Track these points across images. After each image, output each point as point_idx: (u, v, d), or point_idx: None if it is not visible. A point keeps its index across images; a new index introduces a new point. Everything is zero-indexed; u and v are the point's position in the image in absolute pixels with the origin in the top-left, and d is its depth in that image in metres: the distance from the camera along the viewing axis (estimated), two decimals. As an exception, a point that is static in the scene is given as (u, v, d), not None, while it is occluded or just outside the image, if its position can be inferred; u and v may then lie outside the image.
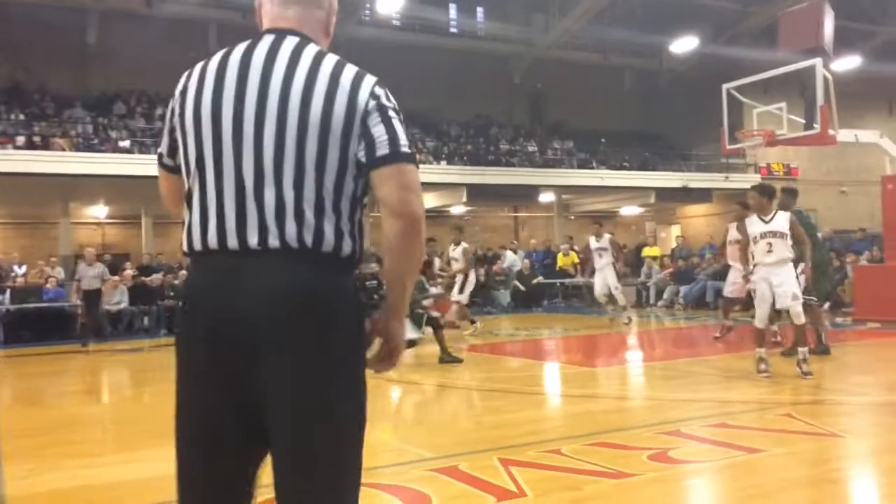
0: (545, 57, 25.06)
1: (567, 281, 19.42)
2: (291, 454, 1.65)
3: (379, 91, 1.74)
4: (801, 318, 6.98)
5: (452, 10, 25.29)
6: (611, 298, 13.02)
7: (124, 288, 14.73)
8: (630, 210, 26.34)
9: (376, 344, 1.82)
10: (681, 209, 26.49)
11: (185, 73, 1.82)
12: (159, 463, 4.79)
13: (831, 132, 12.03)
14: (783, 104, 13.19)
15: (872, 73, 22.64)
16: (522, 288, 18.27)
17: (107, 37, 20.12)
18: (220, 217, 1.68)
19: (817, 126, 11.96)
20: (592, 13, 23.31)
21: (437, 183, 20.07)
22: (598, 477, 4.08)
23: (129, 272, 15.34)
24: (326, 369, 1.64)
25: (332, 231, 1.68)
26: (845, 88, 13.78)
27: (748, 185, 24.41)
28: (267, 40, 1.77)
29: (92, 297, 12.70)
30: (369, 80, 1.75)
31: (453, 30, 25.47)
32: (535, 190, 22.78)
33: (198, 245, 1.71)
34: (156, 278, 15.47)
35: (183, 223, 1.78)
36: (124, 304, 14.61)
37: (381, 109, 1.72)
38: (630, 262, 19.68)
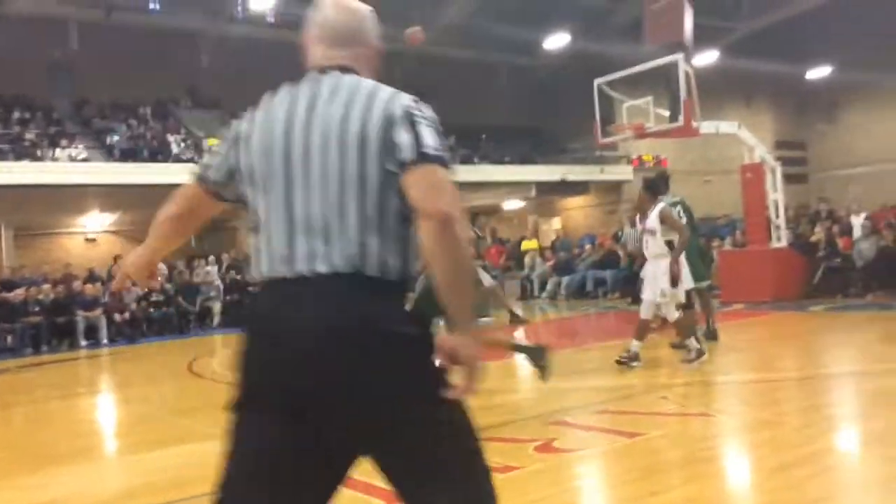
0: (424, 54, 25.18)
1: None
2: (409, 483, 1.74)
3: (412, 104, 1.79)
4: (672, 316, 7.05)
5: (329, 8, 24.95)
6: None
7: (-16, 305, 13.76)
8: (512, 204, 26.88)
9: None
10: (561, 202, 27.25)
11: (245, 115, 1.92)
12: (37, 491, 4.54)
13: (694, 124, 12.66)
14: (650, 98, 13.79)
15: (730, 67, 23.97)
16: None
17: (-44, 37, 18.68)
18: (272, 245, 1.75)
19: (681, 119, 12.57)
20: (467, 10, 23.61)
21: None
22: (487, 472, 4.12)
23: (-12, 288, 14.34)
24: (391, 403, 1.65)
25: (376, 250, 1.70)
26: (706, 82, 14.50)
27: (623, 177, 25.26)
28: (312, 76, 1.91)
29: None
30: (405, 97, 1.81)
31: (330, 27, 25.12)
32: (418, 187, 22.82)
33: (256, 274, 1.80)
34: (18, 293, 14.49)
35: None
36: (-16, 323, 13.66)
37: (411, 118, 1.75)
38: (512, 256, 20.11)
